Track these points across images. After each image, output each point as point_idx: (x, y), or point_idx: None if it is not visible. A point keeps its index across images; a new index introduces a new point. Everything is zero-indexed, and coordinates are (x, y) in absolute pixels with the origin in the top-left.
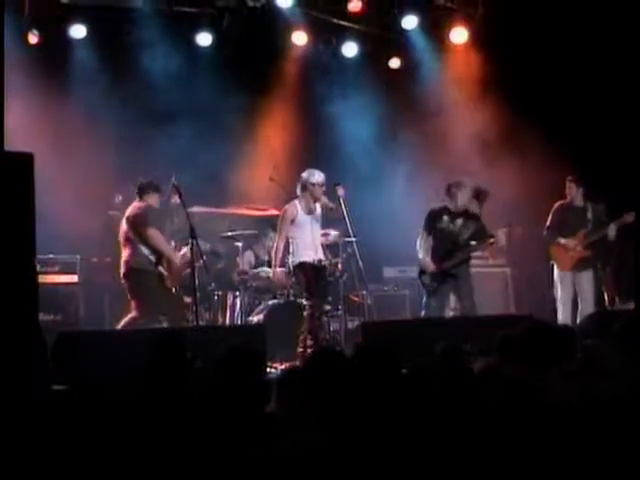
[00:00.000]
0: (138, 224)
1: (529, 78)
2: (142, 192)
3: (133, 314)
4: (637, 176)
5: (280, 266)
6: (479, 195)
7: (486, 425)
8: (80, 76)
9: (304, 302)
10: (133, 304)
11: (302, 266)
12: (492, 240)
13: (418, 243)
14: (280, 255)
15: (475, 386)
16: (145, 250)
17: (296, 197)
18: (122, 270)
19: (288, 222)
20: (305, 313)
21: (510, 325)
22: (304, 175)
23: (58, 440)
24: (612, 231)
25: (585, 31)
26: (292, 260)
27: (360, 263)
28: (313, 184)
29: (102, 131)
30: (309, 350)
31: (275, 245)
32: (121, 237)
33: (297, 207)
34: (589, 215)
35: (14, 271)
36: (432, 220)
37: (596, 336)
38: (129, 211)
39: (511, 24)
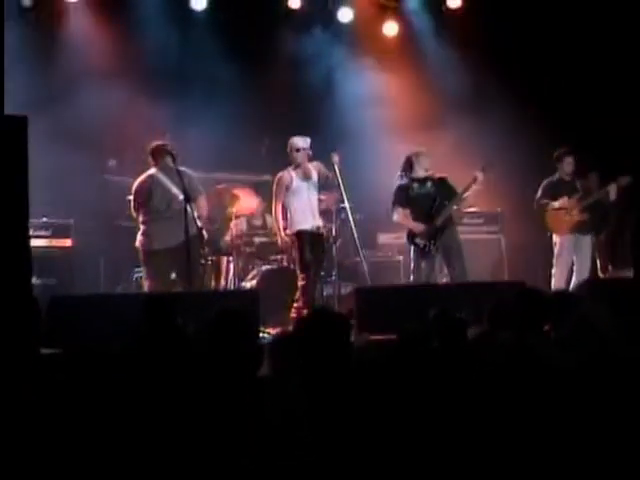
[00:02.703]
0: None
1: (524, 43)
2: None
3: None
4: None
5: (284, 229)
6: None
7: (480, 391)
8: (73, 39)
9: (298, 273)
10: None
11: (299, 235)
12: (475, 183)
13: (395, 218)
14: (281, 220)
15: (469, 352)
16: None
17: (290, 164)
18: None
19: (283, 189)
20: (299, 284)
21: (503, 292)
22: (289, 142)
23: (49, 402)
24: (613, 191)
25: None
26: (289, 228)
27: (354, 229)
28: (297, 149)
29: (95, 94)
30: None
31: (273, 213)
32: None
33: (291, 173)
34: (578, 185)
35: (7, 235)
36: (403, 193)
37: (589, 304)
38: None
39: None
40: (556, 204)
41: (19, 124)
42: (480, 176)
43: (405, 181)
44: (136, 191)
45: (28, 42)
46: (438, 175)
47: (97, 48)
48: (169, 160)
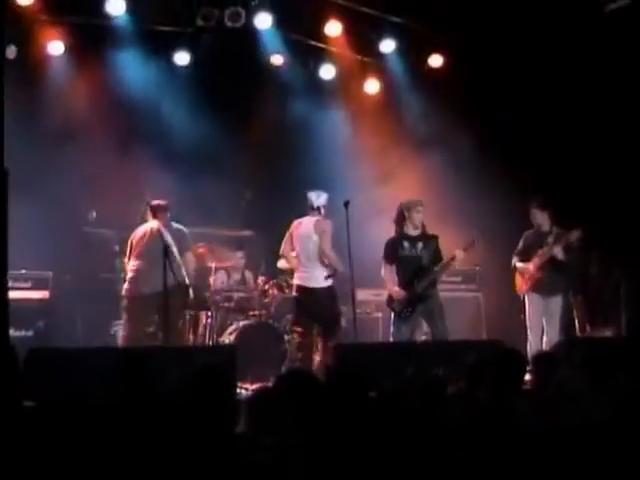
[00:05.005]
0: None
1: (501, 104)
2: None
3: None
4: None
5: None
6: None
7: (456, 449)
8: (56, 93)
9: (293, 328)
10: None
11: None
12: (454, 261)
13: (382, 272)
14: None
15: (446, 411)
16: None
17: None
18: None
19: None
20: (294, 341)
21: (481, 350)
22: (324, 197)
23: (27, 455)
24: (558, 251)
25: (558, 58)
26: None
27: None
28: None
29: (77, 147)
30: None
31: (332, 254)
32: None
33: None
34: (549, 239)
35: None
36: (392, 249)
37: (566, 364)
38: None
39: (488, 50)
40: (518, 265)
41: None
42: (460, 255)
43: (396, 235)
44: (137, 237)
45: (10, 95)
46: (430, 233)
47: (79, 102)
48: (165, 216)
